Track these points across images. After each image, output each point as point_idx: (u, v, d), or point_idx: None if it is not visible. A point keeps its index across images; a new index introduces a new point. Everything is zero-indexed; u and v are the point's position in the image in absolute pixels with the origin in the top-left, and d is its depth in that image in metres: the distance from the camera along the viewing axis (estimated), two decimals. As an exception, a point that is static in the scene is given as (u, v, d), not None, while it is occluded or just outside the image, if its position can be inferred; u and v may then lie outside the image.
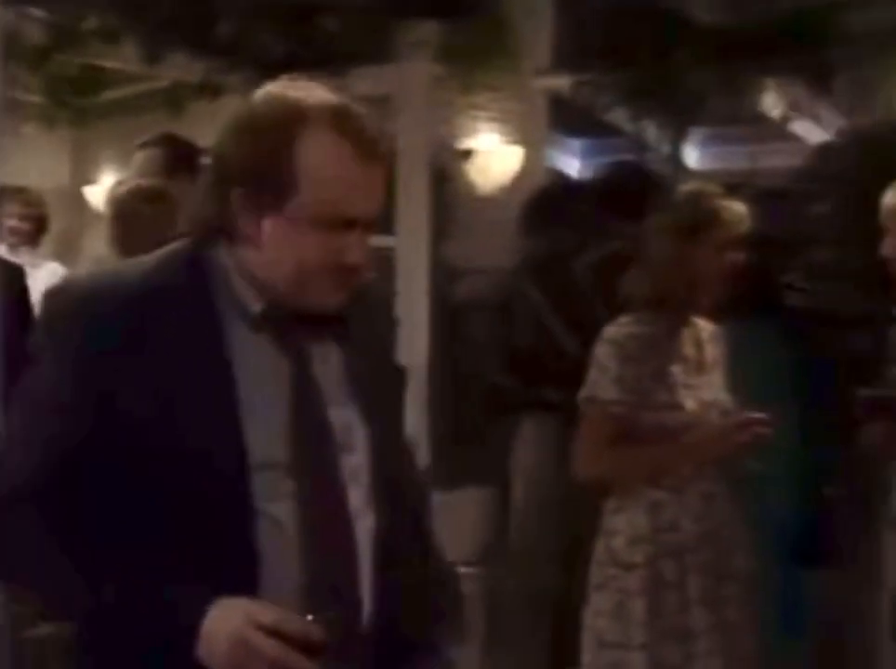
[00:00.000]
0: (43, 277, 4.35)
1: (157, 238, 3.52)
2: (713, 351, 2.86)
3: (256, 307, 1.60)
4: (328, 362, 1.67)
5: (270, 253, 1.60)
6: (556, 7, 3.98)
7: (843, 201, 3.70)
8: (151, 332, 1.56)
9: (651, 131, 3.75)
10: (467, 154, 4.42)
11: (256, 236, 1.59)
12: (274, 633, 1.41)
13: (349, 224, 1.56)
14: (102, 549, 1.55)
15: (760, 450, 2.88)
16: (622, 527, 2.76)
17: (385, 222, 3.90)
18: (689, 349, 2.81)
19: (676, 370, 2.76)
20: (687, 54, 3.49)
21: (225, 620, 1.45)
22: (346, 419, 1.65)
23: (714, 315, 2.90)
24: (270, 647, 1.41)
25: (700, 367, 2.81)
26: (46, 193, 4.82)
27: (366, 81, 3.67)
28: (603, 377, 2.73)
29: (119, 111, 5.63)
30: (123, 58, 3.43)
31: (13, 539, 1.61)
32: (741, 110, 3.94)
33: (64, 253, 6.04)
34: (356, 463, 1.64)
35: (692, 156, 5.24)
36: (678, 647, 2.71)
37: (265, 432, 1.56)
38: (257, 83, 3.45)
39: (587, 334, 2.89)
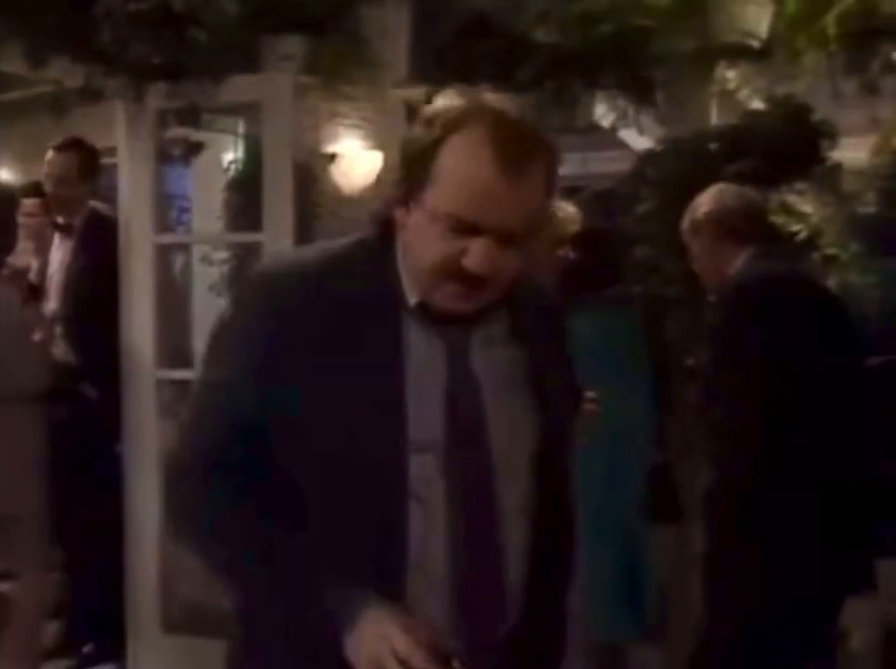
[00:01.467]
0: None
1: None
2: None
3: (413, 299, 1.60)
4: (493, 353, 1.65)
5: (410, 242, 1.58)
6: (412, 25, 4.22)
7: (662, 202, 4.02)
8: (327, 313, 1.57)
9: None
10: (331, 158, 4.62)
11: (403, 225, 1.59)
12: (404, 663, 1.42)
13: (473, 229, 1.51)
14: (260, 524, 1.58)
15: (614, 420, 3.18)
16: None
17: (254, 219, 4.10)
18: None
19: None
20: (528, 70, 3.76)
21: (370, 634, 1.45)
22: (511, 408, 1.64)
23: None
24: None
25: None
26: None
27: (237, 89, 3.86)
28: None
29: (14, 113, 5.71)
30: (10, 62, 3.52)
31: (184, 511, 1.66)
32: (576, 120, 4.19)
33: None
34: (516, 452, 1.63)
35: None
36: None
37: (423, 416, 1.56)
38: (136, 88, 3.64)
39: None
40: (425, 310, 1.60)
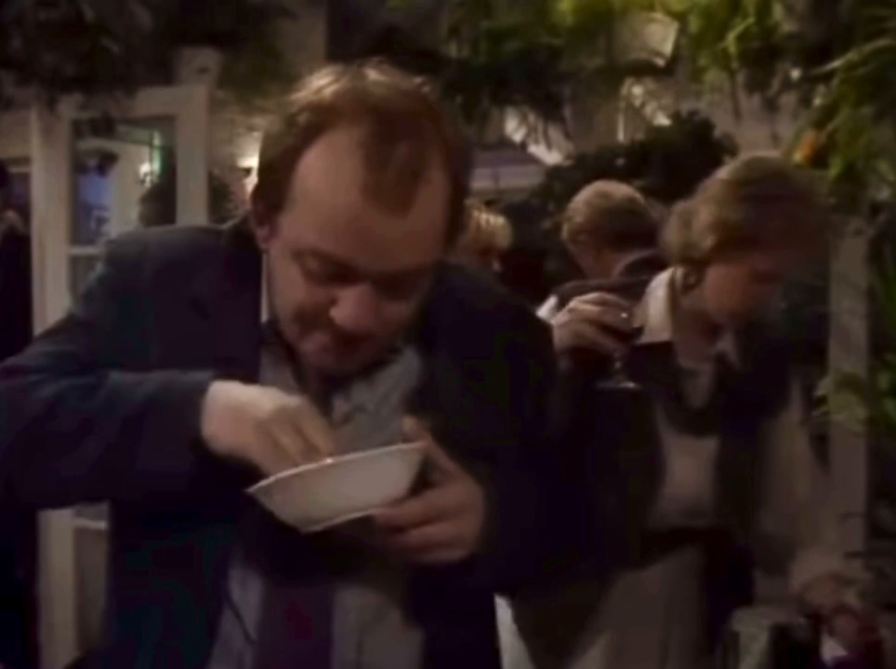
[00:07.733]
0: None
1: None
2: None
3: (264, 317, 1.22)
4: (359, 429, 1.22)
5: (272, 272, 1.20)
6: (327, 40, 4.22)
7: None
8: (185, 312, 1.22)
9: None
10: (246, 172, 4.57)
11: (265, 249, 1.20)
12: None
13: (345, 272, 1.10)
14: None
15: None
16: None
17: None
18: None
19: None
20: (439, 86, 3.77)
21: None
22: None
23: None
24: None
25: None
26: None
27: (152, 101, 3.79)
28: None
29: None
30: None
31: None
32: (486, 135, 4.21)
33: None
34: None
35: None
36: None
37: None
38: (48, 97, 3.57)
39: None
40: (280, 341, 1.21)
